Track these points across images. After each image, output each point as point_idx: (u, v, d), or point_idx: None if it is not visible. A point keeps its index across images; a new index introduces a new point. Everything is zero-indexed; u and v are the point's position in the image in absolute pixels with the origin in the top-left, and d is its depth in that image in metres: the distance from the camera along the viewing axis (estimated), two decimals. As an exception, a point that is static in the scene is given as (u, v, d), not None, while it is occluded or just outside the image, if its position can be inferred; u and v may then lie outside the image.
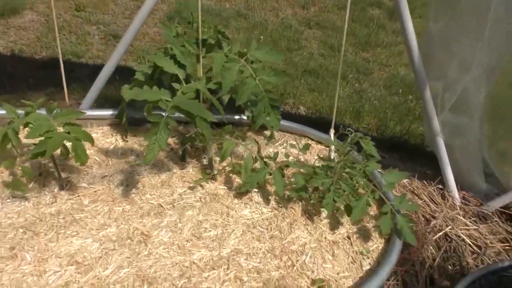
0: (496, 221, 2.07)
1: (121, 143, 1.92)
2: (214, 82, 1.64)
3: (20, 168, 1.58)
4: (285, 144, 2.02)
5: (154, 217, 1.59)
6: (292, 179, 1.71)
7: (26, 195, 1.61)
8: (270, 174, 1.68)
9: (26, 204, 1.58)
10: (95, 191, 1.66)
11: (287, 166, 1.68)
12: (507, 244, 1.99)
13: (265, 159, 1.71)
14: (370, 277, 1.41)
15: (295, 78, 3.88)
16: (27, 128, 1.49)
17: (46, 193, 1.63)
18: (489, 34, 2.19)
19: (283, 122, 2.02)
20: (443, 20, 2.30)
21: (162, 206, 1.64)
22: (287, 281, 1.43)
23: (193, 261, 1.46)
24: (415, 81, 2.32)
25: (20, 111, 1.58)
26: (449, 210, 1.89)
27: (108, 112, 2.00)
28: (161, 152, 1.89)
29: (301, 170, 1.66)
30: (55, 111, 1.52)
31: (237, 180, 1.80)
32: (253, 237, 1.57)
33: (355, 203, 1.54)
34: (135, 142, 1.94)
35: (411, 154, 2.50)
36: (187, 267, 1.43)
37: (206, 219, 1.61)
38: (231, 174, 1.81)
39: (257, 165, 1.72)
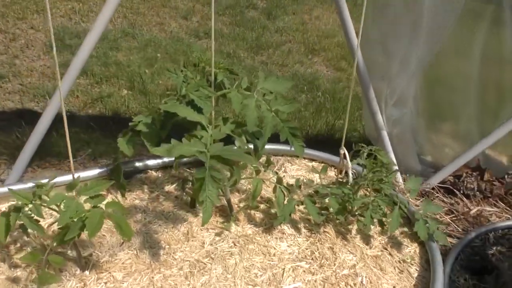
0: (438, 196, 2.32)
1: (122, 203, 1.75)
2: (232, 122, 1.57)
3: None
4: (283, 168, 2.01)
5: (200, 275, 1.48)
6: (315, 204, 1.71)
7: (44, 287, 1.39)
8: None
9: (52, 297, 1.37)
10: (122, 263, 1.49)
11: (316, 192, 1.68)
12: (453, 215, 2.25)
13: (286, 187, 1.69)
14: (434, 283, 1.48)
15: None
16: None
17: (68, 278, 1.43)
18: (422, 30, 2.42)
19: (269, 146, 2.01)
20: (381, 26, 2.48)
21: (201, 261, 1.53)
22: (358, 307, 1.45)
23: (262, 312, 1.40)
24: (360, 83, 2.48)
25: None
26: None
27: (94, 172, 1.80)
28: (167, 202, 1.77)
29: (331, 192, 1.67)
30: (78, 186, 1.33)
31: (257, 215, 1.75)
32: (304, 271, 1.55)
33: (390, 215, 1.61)
34: (134, 198, 1.78)
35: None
36: (260, 320, 1.37)
37: (252, 264, 1.55)
38: (248, 211, 1.75)
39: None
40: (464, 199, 2.41)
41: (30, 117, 3.37)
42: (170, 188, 1.83)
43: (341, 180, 1.85)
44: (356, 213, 1.74)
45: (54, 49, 1.49)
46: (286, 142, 1.64)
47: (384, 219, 1.68)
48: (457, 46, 2.58)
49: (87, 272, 1.45)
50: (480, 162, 2.96)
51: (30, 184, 1.67)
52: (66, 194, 1.33)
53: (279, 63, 4.77)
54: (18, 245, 1.52)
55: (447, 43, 2.55)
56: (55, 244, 1.33)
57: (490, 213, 3.05)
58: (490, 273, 2.17)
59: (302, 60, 4.97)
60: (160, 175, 1.88)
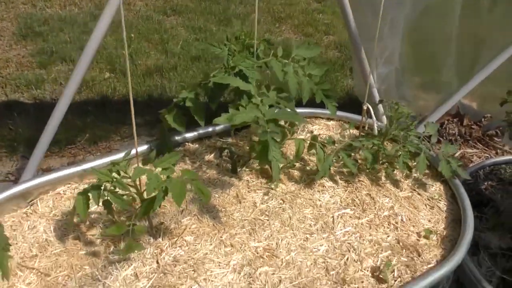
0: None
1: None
2: (273, 89, 1.70)
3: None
4: (306, 130, 2.16)
5: (261, 231, 1.63)
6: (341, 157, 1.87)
7: (123, 257, 1.50)
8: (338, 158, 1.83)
9: (134, 264, 1.48)
10: (189, 228, 1.61)
11: (350, 145, 1.84)
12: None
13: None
14: (466, 214, 1.70)
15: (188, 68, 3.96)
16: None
17: (145, 246, 1.53)
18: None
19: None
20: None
21: (258, 219, 1.68)
22: (404, 241, 1.64)
23: (324, 255, 1.56)
24: (351, 45, 2.66)
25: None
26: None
27: (142, 148, 1.87)
28: (211, 170, 1.88)
29: (364, 145, 1.84)
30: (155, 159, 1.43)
31: (295, 173, 1.89)
32: (350, 217, 1.72)
33: (418, 158, 1.80)
34: (179, 169, 1.87)
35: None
36: (324, 262, 1.54)
37: (304, 216, 1.71)
38: (287, 170, 1.90)
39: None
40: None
41: (19, 108, 3.35)
42: (209, 157, 1.94)
43: (364, 134, 2.02)
44: (381, 162, 1.92)
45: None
46: (299, 104, 1.78)
47: (410, 163, 1.87)
48: (439, 3, 2.80)
49: (160, 239, 1.56)
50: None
51: (78, 168, 1.74)
52: (143, 167, 1.43)
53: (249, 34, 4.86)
54: (88, 223, 1.60)
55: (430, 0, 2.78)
56: (139, 216, 1.43)
57: (471, 154, 3.36)
58: (486, 205, 2.45)
59: (271, 28, 5.08)
60: (197, 146, 1.98)
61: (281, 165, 1.78)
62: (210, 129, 2.01)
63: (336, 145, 1.87)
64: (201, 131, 1.98)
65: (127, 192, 1.45)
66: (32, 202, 1.66)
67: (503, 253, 2.24)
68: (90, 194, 1.42)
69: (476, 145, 3.31)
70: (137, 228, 1.44)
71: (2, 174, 2.79)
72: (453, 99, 2.97)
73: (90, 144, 3.13)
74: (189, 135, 1.97)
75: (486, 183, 2.65)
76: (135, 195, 1.48)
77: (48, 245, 1.52)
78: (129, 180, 1.44)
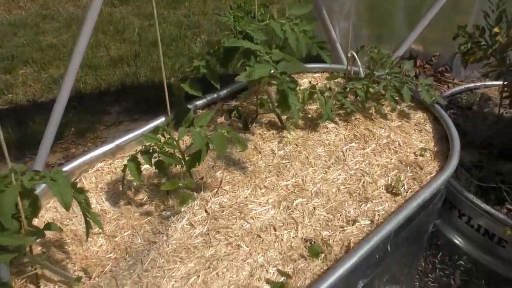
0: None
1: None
2: (274, 47, 1.91)
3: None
4: (300, 83, 2.39)
5: (286, 172, 1.86)
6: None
7: (176, 211, 1.69)
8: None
9: (187, 216, 1.67)
10: (224, 179, 1.82)
11: (345, 88, 2.09)
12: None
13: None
14: (451, 131, 2.00)
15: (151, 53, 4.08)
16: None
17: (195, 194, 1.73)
18: None
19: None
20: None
21: (280, 163, 1.90)
22: (405, 160, 1.92)
23: (344, 183, 1.82)
24: (314, 5, 2.90)
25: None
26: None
27: (160, 119, 2.03)
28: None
29: (356, 86, 2.10)
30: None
31: (300, 122, 2.13)
32: (356, 149, 1.99)
33: (403, 90, 2.09)
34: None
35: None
36: (345, 188, 1.79)
37: (318, 154, 1.95)
38: (292, 119, 2.13)
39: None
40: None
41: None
42: (221, 119, 2.14)
43: (351, 78, 2.27)
44: (370, 100, 2.19)
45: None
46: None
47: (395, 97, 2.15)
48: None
49: (202, 192, 1.76)
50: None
51: (112, 145, 1.89)
52: (184, 128, 1.61)
53: (200, 13, 5.02)
54: (133, 190, 1.77)
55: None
56: (187, 169, 1.62)
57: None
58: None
59: (217, 5, 5.25)
60: (207, 111, 2.17)
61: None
62: (215, 95, 2.21)
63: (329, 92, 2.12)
64: (208, 98, 2.17)
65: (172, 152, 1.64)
66: (76, 181, 1.81)
67: (475, 165, 2.61)
68: (140, 159, 1.59)
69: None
70: (188, 181, 1.63)
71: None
72: (405, 44, 3.29)
73: (78, 137, 3.23)
74: (199, 102, 2.15)
75: (448, 112, 3.00)
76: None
77: (105, 213, 1.69)
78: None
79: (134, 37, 4.44)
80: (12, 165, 1.26)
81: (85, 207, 1.34)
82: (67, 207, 1.24)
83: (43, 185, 1.64)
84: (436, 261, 2.67)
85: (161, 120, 2.02)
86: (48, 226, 1.36)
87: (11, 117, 3.30)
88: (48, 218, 1.67)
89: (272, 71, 1.72)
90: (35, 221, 1.42)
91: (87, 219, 1.40)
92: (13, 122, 3.20)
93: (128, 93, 3.61)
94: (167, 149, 1.58)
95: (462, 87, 3.20)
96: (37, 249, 1.53)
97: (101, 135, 3.26)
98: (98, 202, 1.73)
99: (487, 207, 2.37)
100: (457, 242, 2.63)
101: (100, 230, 1.59)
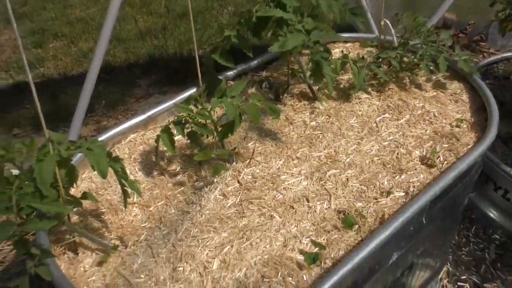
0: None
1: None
2: (307, 16, 1.86)
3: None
4: (335, 50, 2.34)
5: (318, 142, 1.84)
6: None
7: (208, 182, 1.69)
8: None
9: (219, 187, 1.67)
10: (257, 150, 1.81)
11: (378, 57, 2.04)
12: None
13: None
14: (489, 101, 1.94)
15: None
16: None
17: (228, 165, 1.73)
18: None
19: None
20: None
21: (312, 133, 1.88)
22: (441, 132, 1.87)
23: (377, 154, 1.79)
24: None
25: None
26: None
27: (191, 90, 2.03)
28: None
29: (390, 55, 2.05)
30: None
31: (332, 93, 2.09)
32: (390, 120, 1.95)
33: (439, 60, 2.02)
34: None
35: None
36: (379, 159, 1.76)
37: (351, 125, 1.92)
38: (324, 90, 2.10)
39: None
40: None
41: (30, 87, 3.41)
42: (251, 90, 2.12)
43: (384, 47, 2.22)
44: (404, 70, 2.14)
45: None
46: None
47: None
48: None
49: (234, 163, 1.76)
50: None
51: (143, 116, 1.90)
52: (216, 98, 1.60)
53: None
54: (165, 160, 1.78)
55: None
56: (219, 139, 1.62)
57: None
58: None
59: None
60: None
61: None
62: (245, 66, 2.18)
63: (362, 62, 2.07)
64: (239, 68, 2.15)
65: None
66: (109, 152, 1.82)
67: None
68: (173, 129, 1.59)
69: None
70: (221, 152, 1.63)
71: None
72: (439, 13, 3.19)
73: (108, 110, 3.27)
74: (229, 73, 2.13)
75: (484, 82, 2.92)
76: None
77: (139, 184, 1.70)
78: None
79: (161, 9, 4.42)
80: (49, 134, 1.27)
81: (122, 176, 1.35)
82: (103, 175, 1.25)
83: (79, 155, 1.66)
84: (470, 235, 2.64)
85: (192, 91, 2.01)
86: (85, 195, 1.38)
87: (43, 91, 3.35)
88: (84, 188, 1.69)
89: (305, 41, 1.68)
90: (71, 191, 1.44)
91: (124, 188, 1.42)
92: (45, 96, 3.25)
93: (157, 66, 3.61)
94: (199, 120, 1.57)
95: (499, 56, 3.10)
96: (74, 218, 1.56)
97: (132, 108, 3.28)
98: (132, 173, 1.75)
99: (525, 180, 2.31)
100: (492, 215, 2.58)
101: (135, 200, 1.61)
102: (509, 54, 3.13)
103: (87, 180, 1.72)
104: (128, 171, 1.74)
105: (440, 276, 2.39)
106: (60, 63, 3.67)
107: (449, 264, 2.47)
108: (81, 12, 4.32)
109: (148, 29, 4.09)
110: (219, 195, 1.65)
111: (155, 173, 1.74)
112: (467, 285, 2.40)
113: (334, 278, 1.30)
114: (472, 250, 2.55)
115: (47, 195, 1.19)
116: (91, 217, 1.57)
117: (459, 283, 2.42)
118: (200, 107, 1.60)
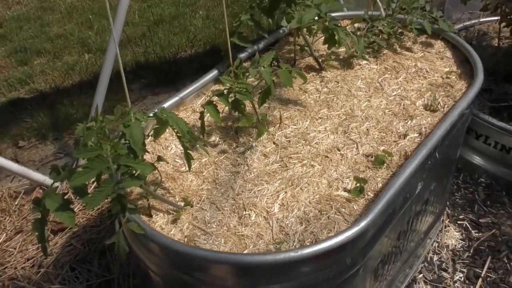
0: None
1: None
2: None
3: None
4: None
5: (335, 105, 2.08)
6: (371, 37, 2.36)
7: (249, 146, 1.90)
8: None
9: (259, 149, 1.89)
10: (283, 116, 2.03)
11: (372, 26, 2.32)
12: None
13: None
14: (470, 53, 2.25)
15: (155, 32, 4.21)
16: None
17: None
18: None
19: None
20: None
21: (327, 97, 2.13)
22: (435, 83, 2.16)
23: (387, 107, 2.06)
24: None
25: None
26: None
27: (211, 74, 2.23)
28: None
29: (384, 24, 2.33)
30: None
31: (334, 63, 2.35)
32: (390, 79, 2.22)
33: (424, 23, 2.32)
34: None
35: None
36: (390, 111, 2.03)
37: (358, 87, 2.18)
38: (327, 62, 2.35)
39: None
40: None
41: (24, 103, 3.51)
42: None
43: (374, 19, 2.50)
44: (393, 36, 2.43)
45: None
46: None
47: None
48: None
49: (267, 128, 1.98)
50: None
51: (176, 98, 2.09)
52: (252, 68, 1.82)
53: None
54: (205, 134, 1.98)
55: None
56: (259, 104, 1.83)
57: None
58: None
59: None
60: (248, 64, 2.37)
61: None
62: (255, 47, 2.41)
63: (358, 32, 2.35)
64: (249, 50, 2.37)
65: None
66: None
67: (485, 90, 2.89)
68: (218, 100, 1.79)
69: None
70: (262, 115, 1.85)
71: (50, 156, 3.02)
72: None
73: (108, 115, 3.39)
74: (242, 55, 2.35)
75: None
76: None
77: (187, 155, 1.89)
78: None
79: (135, 19, 4.58)
80: (130, 106, 1.46)
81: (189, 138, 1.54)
82: (184, 134, 1.44)
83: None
84: (460, 182, 2.95)
85: (213, 73, 2.22)
86: (160, 158, 1.56)
87: (40, 103, 3.44)
88: (138, 164, 1.86)
89: (318, 13, 1.93)
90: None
91: (187, 151, 1.61)
92: (44, 107, 3.35)
93: (144, 70, 3.77)
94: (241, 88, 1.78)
95: (460, 25, 3.46)
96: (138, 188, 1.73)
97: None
98: (177, 146, 1.93)
99: (503, 124, 2.64)
100: (476, 162, 2.91)
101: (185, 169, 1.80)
102: (468, 23, 3.50)
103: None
104: (173, 146, 1.94)
105: (442, 218, 2.69)
106: (49, 78, 3.76)
107: (447, 208, 2.77)
108: (59, 29, 4.41)
109: (128, 38, 4.23)
110: (261, 155, 1.86)
111: (198, 146, 1.93)
112: (465, 222, 2.71)
113: (384, 200, 1.54)
114: (464, 194, 2.87)
115: (138, 156, 1.38)
116: (153, 186, 1.75)
117: (458, 222, 2.72)
118: (239, 78, 1.81)
